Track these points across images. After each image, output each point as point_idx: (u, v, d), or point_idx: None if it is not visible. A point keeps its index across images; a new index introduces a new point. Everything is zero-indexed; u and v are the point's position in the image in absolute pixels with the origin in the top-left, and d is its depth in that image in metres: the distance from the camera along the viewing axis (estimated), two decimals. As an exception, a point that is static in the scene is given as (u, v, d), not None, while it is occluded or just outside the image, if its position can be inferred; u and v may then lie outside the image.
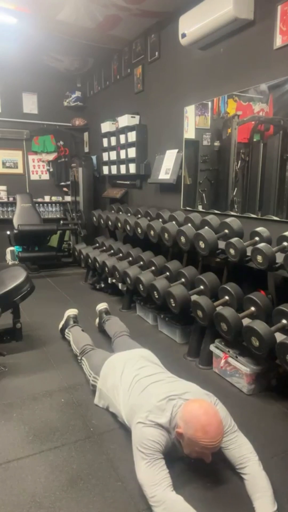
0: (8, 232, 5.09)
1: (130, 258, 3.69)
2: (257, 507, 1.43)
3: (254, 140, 2.79)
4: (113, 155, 4.94)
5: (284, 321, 2.09)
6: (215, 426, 1.46)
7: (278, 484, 1.52)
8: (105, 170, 5.28)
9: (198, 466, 1.60)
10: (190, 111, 3.45)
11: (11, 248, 5.58)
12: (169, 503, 1.37)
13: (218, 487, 1.59)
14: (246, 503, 1.47)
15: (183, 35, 3.14)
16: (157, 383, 1.80)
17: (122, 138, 4.61)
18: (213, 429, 1.45)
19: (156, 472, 1.44)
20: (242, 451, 1.58)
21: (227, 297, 2.52)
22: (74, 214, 5.76)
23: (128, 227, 3.77)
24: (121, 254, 3.90)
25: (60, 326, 3.02)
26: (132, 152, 4.43)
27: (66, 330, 2.87)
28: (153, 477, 1.43)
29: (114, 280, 3.92)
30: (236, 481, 1.59)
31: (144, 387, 1.79)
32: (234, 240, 2.45)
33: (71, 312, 3.04)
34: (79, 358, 2.48)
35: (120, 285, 3.88)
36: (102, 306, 3.19)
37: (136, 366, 2.00)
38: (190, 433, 1.47)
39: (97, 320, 3.15)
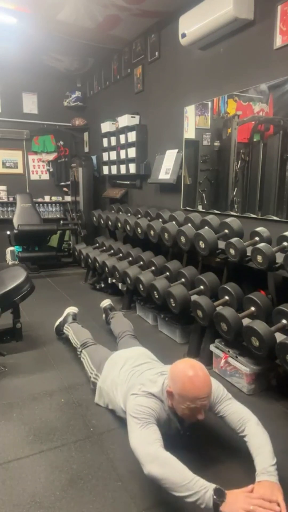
0: (8, 232, 5.09)
1: (130, 258, 3.69)
2: (257, 463, 1.46)
3: (254, 140, 2.79)
4: (113, 155, 4.94)
5: (284, 321, 2.09)
6: (202, 377, 1.51)
7: (280, 483, 1.51)
8: (105, 170, 5.28)
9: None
10: (190, 111, 3.45)
11: (11, 248, 5.58)
12: (162, 459, 1.38)
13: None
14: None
15: (183, 35, 3.14)
16: (151, 369, 1.89)
17: (122, 138, 4.61)
18: (200, 380, 1.50)
19: (150, 434, 1.46)
20: (240, 415, 1.63)
21: (227, 297, 2.52)
22: (74, 214, 5.76)
23: (128, 227, 3.77)
24: (121, 254, 3.90)
25: (57, 323, 3.01)
26: (132, 152, 4.43)
27: (66, 325, 2.87)
28: (146, 437, 1.45)
29: (114, 280, 3.92)
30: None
31: (140, 374, 1.87)
32: (234, 240, 2.45)
33: (71, 309, 3.05)
34: (79, 350, 2.48)
35: (120, 285, 3.88)
36: (106, 303, 3.20)
37: (135, 363, 2.02)
38: (178, 387, 1.52)
39: (103, 316, 3.17)
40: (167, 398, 1.61)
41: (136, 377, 1.86)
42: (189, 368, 1.54)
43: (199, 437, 1.84)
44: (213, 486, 1.30)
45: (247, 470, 1.52)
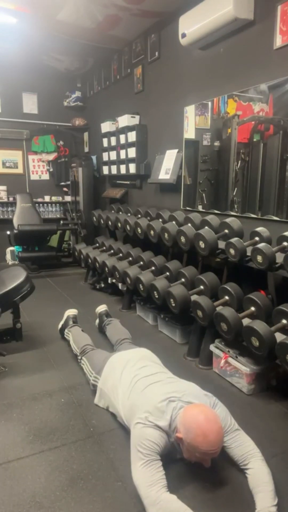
0: (8, 232, 5.09)
1: (130, 258, 3.69)
2: (258, 501, 1.44)
3: (254, 140, 2.79)
4: (113, 155, 4.94)
5: (284, 321, 2.09)
6: (215, 433, 1.47)
7: (278, 484, 1.52)
8: (105, 170, 5.28)
9: (197, 467, 1.60)
10: (190, 111, 3.45)
11: (11, 248, 5.58)
12: (164, 503, 1.37)
13: (217, 488, 1.58)
14: (245, 504, 1.47)
15: (183, 35, 3.14)
16: (156, 384, 1.80)
17: (122, 138, 4.61)
18: (213, 435, 1.46)
19: (153, 473, 1.44)
20: (245, 449, 1.59)
21: (227, 297, 2.52)
22: (74, 214, 5.76)
23: (128, 227, 3.77)
24: (121, 254, 3.90)
25: (60, 326, 3.02)
26: (132, 152, 4.43)
27: (66, 330, 2.87)
28: (149, 477, 1.43)
29: (114, 280, 3.92)
30: (235, 482, 1.59)
31: (144, 388, 1.79)
32: (234, 240, 2.45)
33: (71, 312, 3.04)
34: (79, 358, 2.48)
35: (120, 285, 3.88)
36: (101, 308, 3.17)
37: (136, 366, 1.99)
38: (190, 439, 1.48)
39: (97, 321, 3.14)
40: (176, 441, 1.57)
41: (140, 390, 1.78)
42: (203, 421, 1.48)
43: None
44: None
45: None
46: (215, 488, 1.58)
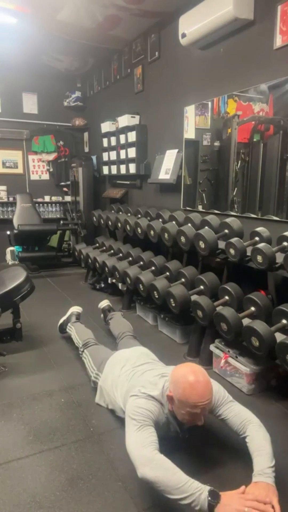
0: (8, 232, 5.09)
1: (130, 258, 3.69)
2: (255, 464, 1.47)
3: (254, 140, 2.79)
4: (113, 155, 4.94)
5: (284, 321, 2.09)
6: (202, 383, 1.49)
7: (278, 485, 1.51)
8: (105, 170, 5.28)
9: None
10: (190, 111, 3.45)
11: (11, 248, 5.58)
12: (158, 461, 1.38)
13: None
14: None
15: (183, 35, 3.14)
16: (152, 370, 1.88)
17: (122, 138, 4.61)
18: (201, 386, 1.49)
19: (146, 436, 1.46)
20: (242, 417, 1.62)
21: (227, 297, 2.52)
22: (74, 214, 5.76)
23: (128, 227, 3.77)
24: (121, 254, 3.90)
25: (61, 321, 3.02)
26: (132, 152, 4.43)
27: (69, 324, 2.87)
28: (142, 440, 1.44)
29: (114, 280, 3.92)
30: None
31: (141, 374, 1.86)
32: (234, 240, 2.45)
33: (76, 309, 3.04)
34: (81, 350, 2.48)
35: (120, 285, 3.88)
36: (104, 303, 3.21)
37: (136, 364, 2.02)
38: (179, 393, 1.50)
39: (102, 316, 3.18)
40: (167, 402, 1.60)
41: (137, 377, 1.86)
42: (190, 373, 1.52)
43: (198, 440, 1.83)
44: (208, 488, 1.30)
45: (247, 471, 1.52)
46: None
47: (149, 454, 1.40)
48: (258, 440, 1.54)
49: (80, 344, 2.52)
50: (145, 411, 1.53)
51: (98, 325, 3.20)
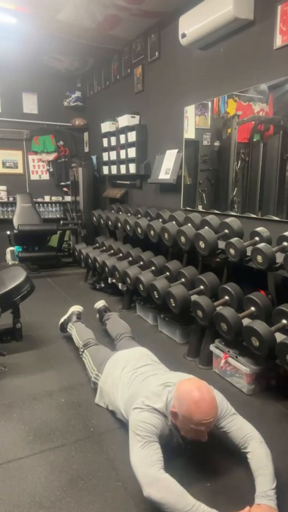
0: (8, 232, 5.09)
1: (130, 258, 3.69)
2: (257, 485, 1.46)
3: (254, 140, 2.79)
4: (113, 155, 4.94)
5: (284, 321, 2.09)
6: (208, 401, 1.48)
7: (278, 485, 1.51)
8: (105, 170, 5.28)
9: (196, 460, 1.61)
10: (190, 111, 3.45)
11: (11, 248, 5.57)
12: (164, 482, 1.37)
13: (216, 481, 1.60)
14: (242, 495, 1.47)
15: (183, 35, 3.14)
16: (154, 375, 1.85)
17: (122, 138, 4.61)
18: (206, 404, 1.47)
19: (151, 454, 1.44)
20: (244, 431, 1.61)
21: (227, 297, 2.52)
22: (74, 214, 5.76)
23: (128, 227, 3.77)
24: (121, 254, 3.90)
25: (62, 320, 3.01)
26: (132, 152, 4.43)
27: (70, 324, 2.87)
28: (147, 458, 1.43)
29: (114, 280, 3.92)
30: (233, 474, 1.61)
31: (142, 380, 1.83)
32: (234, 240, 2.45)
33: (76, 308, 3.04)
34: (81, 350, 2.48)
35: (120, 285, 3.88)
36: (99, 304, 3.21)
37: (137, 365, 2.01)
38: (183, 410, 1.49)
39: (97, 316, 3.18)
40: (172, 419, 1.58)
41: (138, 382, 1.83)
42: (195, 389, 1.50)
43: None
44: (214, 511, 1.31)
45: (250, 479, 1.51)
46: (214, 481, 1.59)
47: (155, 474, 1.39)
48: (260, 459, 1.52)
49: (81, 344, 2.52)
50: (149, 426, 1.51)
51: (97, 325, 3.19)
